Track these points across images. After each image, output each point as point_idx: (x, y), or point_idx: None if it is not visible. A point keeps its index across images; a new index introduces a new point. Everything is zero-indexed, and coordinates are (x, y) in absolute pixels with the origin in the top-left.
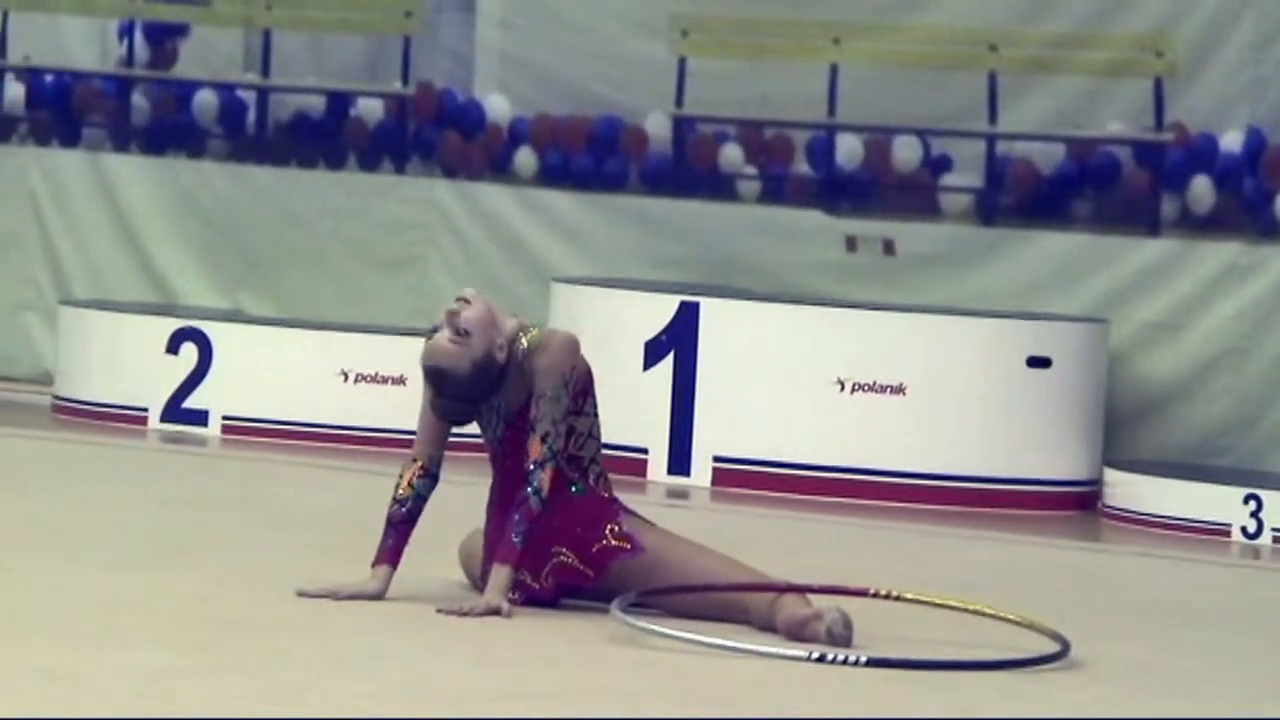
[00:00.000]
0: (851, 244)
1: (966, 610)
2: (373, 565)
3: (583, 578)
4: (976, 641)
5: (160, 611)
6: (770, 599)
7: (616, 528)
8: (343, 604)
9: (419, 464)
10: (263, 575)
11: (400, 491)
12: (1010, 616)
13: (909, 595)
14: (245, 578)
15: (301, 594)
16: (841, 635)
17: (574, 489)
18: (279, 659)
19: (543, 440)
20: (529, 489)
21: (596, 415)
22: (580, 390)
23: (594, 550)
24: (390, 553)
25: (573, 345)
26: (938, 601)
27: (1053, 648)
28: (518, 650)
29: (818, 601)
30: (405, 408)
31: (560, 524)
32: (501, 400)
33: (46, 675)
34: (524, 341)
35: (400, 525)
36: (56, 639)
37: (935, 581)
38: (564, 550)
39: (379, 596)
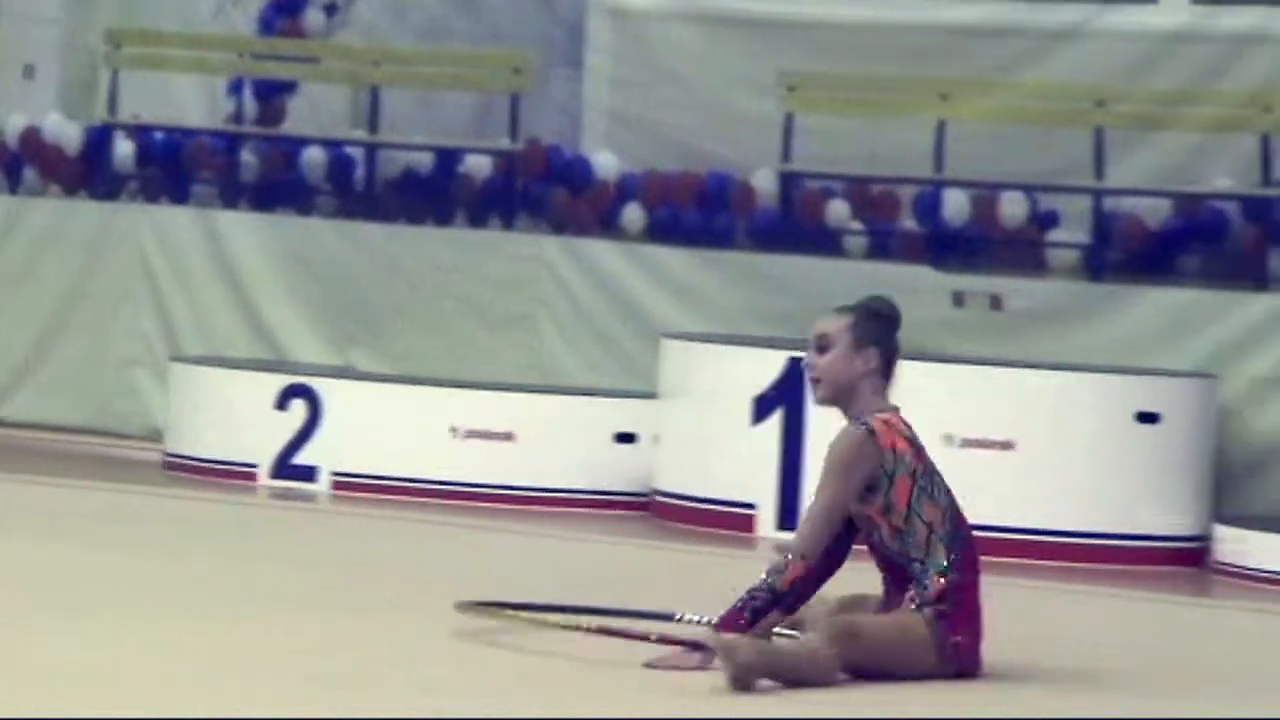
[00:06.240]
0: (959, 299)
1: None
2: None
3: None
4: None
5: (269, 669)
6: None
7: None
8: (460, 664)
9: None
10: (373, 634)
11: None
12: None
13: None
14: (357, 637)
15: (650, 666)
16: None
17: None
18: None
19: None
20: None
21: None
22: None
23: None
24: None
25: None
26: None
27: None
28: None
29: None
30: (514, 464)
31: None
32: None
33: None
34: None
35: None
36: (161, 697)
37: (1039, 638)
38: None
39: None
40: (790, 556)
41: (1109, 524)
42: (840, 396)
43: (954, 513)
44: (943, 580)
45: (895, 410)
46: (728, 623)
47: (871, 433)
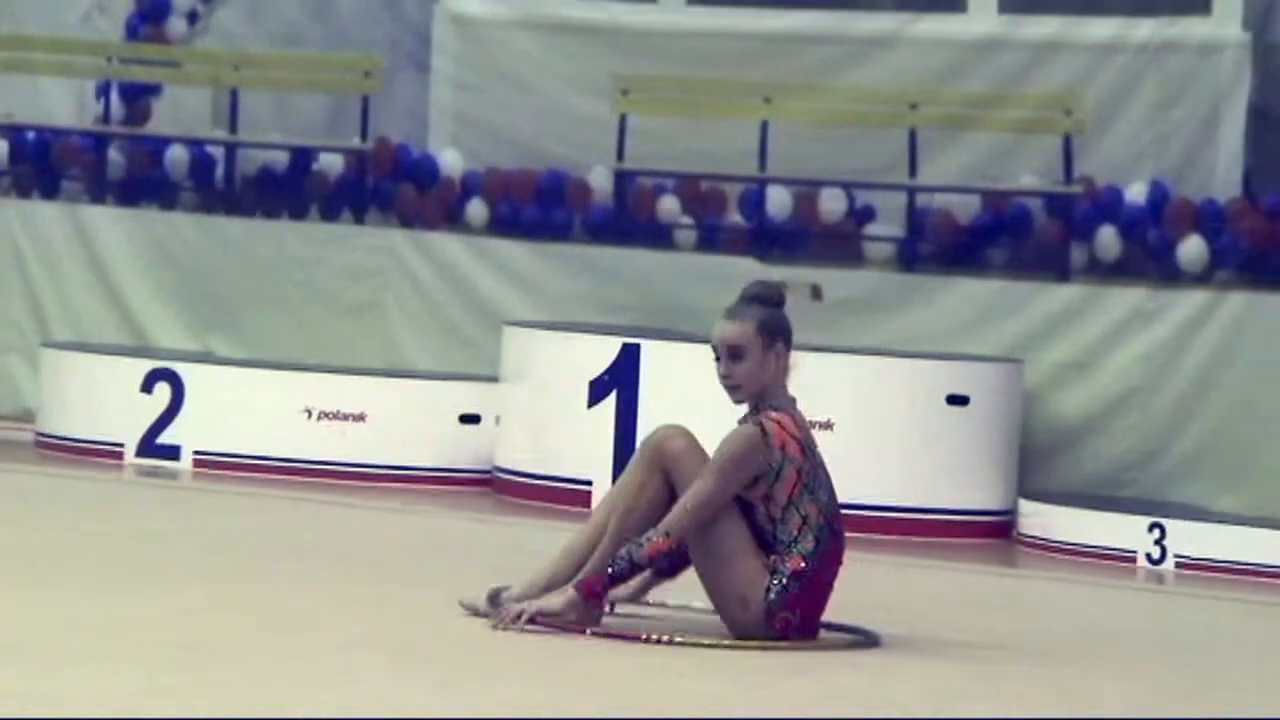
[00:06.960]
0: (817, 292)
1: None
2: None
3: None
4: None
5: (136, 637)
6: None
7: None
8: (318, 629)
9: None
10: (236, 601)
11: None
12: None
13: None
14: (220, 604)
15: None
16: None
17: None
18: (254, 682)
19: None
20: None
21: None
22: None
23: None
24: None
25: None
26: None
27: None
28: (477, 674)
29: None
30: (365, 444)
31: None
32: None
33: (18, 701)
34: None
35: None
36: (30, 665)
37: (857, 607)
38: None
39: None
40: (658, 532)
41: (921, 499)
42: (758, 397)
43: (833, 510)
44: (802, 563)
45: (793, 403)
46: (588, 585)
47: (765, 433)
